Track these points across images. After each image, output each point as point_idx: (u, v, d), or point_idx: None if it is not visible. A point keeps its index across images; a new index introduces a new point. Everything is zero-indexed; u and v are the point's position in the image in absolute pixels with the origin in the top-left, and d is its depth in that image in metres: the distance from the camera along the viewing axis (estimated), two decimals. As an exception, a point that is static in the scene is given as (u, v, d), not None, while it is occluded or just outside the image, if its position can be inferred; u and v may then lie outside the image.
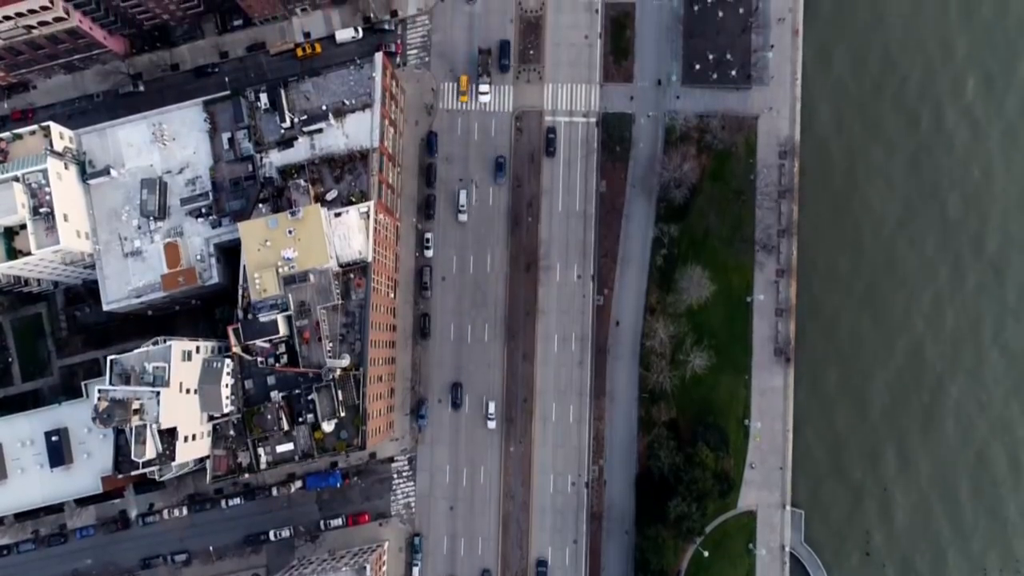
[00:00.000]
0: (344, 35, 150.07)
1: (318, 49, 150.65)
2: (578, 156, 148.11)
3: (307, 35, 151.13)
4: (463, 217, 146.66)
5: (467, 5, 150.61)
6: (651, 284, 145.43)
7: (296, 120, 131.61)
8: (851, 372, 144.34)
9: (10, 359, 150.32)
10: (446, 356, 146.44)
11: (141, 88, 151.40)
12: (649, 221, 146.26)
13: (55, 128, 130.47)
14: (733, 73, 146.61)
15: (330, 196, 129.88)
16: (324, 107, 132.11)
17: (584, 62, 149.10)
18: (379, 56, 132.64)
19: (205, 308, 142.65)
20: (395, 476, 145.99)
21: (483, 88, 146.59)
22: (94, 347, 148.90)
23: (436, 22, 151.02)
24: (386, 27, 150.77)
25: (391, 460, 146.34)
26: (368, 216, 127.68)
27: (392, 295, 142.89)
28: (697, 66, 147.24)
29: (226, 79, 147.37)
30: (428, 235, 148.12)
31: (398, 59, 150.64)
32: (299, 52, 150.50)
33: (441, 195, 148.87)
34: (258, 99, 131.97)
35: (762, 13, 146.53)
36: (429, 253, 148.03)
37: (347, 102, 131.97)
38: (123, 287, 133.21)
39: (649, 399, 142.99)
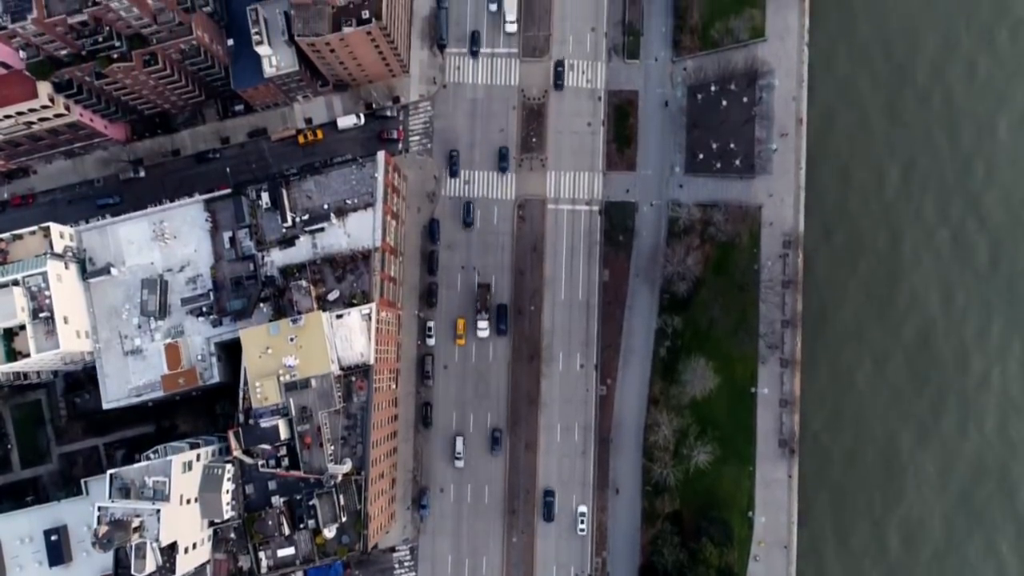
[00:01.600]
0: (346, 122, 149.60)
1: (320, 135, 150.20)
2: (581, 245, 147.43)
3: (309, 121, 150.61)
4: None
5: (470, 92, 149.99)
6: (655, 375, 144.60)
7: (298, 219, 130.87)
8: (856, 465, 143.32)
9: (9, 446, 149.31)
10: (448, 446, 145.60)
11: (142, 174, 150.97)
12: (652, 312, 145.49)
13: (55, 228, 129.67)
14: (737, 163, 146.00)
15: (332, 297, 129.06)
16: (326, 206, 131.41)
17: (587, 150, 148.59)
18: (381, 155, 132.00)
19: (205, 399, 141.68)
20: (397, 566, 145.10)
21: (481, 326, 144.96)
22: (94, 434, 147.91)
23: (438, 108, 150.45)
24: (388, 113, 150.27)
25: (393, 550, 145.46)
26: (370, 318, 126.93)
27: (394, 386, 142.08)
28: (700, 155, 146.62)
29: (228, 169, 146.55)
30: (430, 324, 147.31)
31: (400, 145, 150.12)
32: (301, 139, 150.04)
33: (443, 282, 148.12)
34: (259, 198, 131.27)
35: (766, 103, 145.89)
36: (431, 341, 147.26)
37: (349, 201, 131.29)
38: (123, 386, 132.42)
39: (652, 491, 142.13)
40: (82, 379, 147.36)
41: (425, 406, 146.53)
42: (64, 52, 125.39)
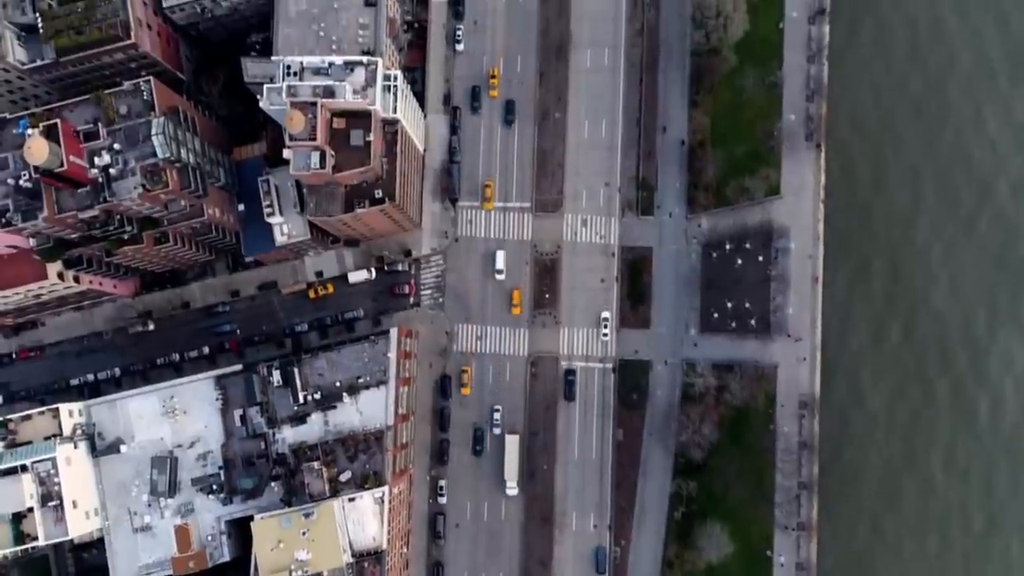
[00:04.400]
0: (357, 276, 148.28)
1: (331, 289, 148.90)
2: (594, 403, 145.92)
3: (320, 274, 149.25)
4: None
5: (482, 245, 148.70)
6: (669, 537, 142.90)
7: (310, 397, 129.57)
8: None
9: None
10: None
11: (151, 327, 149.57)
12: (666, 474, 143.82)
13: (64, 408, 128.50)
14: (752, 322, 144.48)
15: (344, 477, 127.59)
16: (338, 383, 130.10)
17: (600, 306, 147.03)
18: (394, 333, 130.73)
19: (215, 571, 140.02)
20: None
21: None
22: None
23: (450, 262, 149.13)
24: (399, 267, 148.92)
25: None
26: (383, 501, 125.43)
27: (404, 549, 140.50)
28: (715, 314, 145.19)
29: (237, 331, 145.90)
30: (442, 482, 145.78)
31: (411, 299, 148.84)
32: (311, 293, 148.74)
33: (455, 439, 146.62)
34: (271, 375, 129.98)
35: (782, 262, 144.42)
36: (443, 500, 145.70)
37: (361, 379, 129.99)
38: (132, 564, 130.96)
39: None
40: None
41: (436, 566, 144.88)
42: (74, 236, 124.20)
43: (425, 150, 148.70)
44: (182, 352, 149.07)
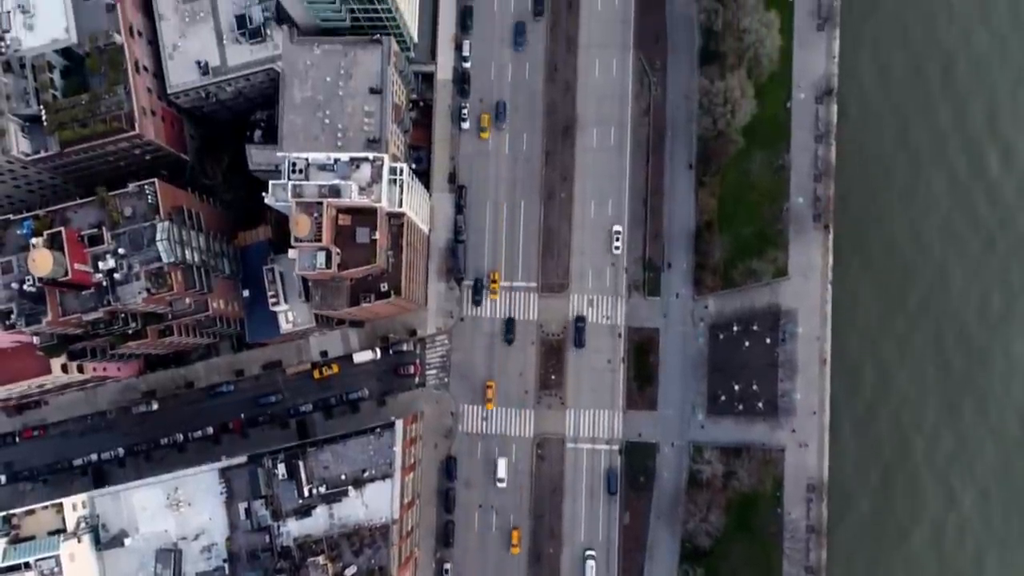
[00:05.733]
0: (362, 357, 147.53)
1: (335, 369, 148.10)
2: (600, 486, 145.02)
3: (324, 354, 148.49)
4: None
5: (488, 326, 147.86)
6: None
7: (315, 490, 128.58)
8: None
9: None
10: None
11: (155, 406, 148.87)
12: (673, 557, 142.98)
13: (68, 502, 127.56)
14: (759, 405, 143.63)
15: (349, 572, 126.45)
16: (343, 476, 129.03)
17: (607, 388, 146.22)
18: (399, 426, 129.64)
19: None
20: None
21: None
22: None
23: (455, 342, 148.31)
24: (404, 347, 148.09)
25: None
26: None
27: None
28: (722, 396, 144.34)
29: (242, 417, 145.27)
30: (447, 565, 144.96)
31: (416, 379, 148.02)
32: (316, 373, 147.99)
33: (460, 522, 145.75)
34: (275, 468, 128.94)
35: (789, 345, 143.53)
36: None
37: (367, 472, 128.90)
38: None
39: None
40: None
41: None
42: (79, 331, 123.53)
43: (430, 230, 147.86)
44: (186, 432, 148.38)
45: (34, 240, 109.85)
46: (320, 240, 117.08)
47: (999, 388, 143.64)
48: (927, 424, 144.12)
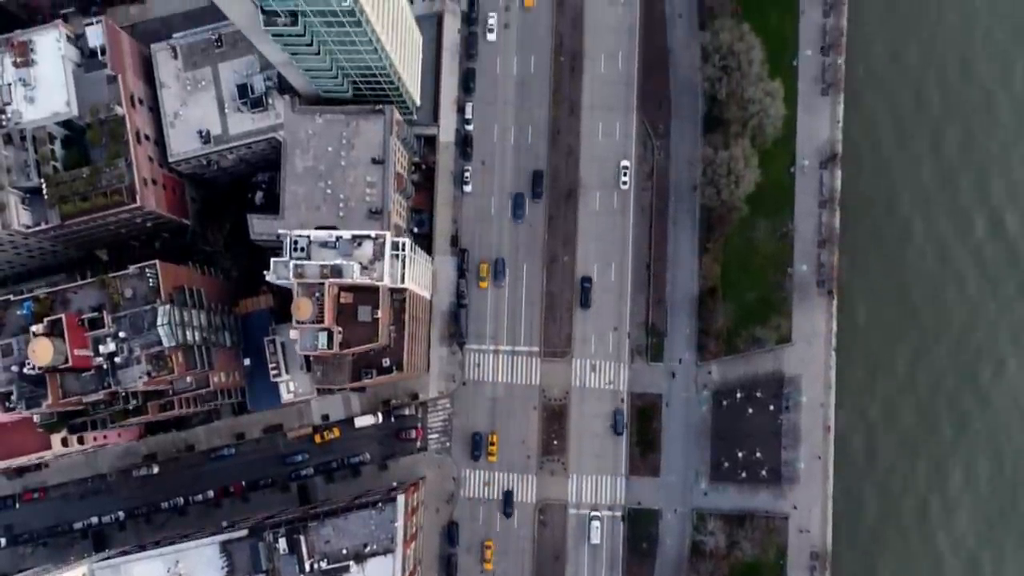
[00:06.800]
0: (364, 421, 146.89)
1: (337, 433, 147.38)
2: (603, 553, 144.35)
3: (326, 418, 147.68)
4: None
5: (489, 390, 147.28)
6: None
7: (316, 565, 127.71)
8: None
9: None
10: None
11: (155, 470, 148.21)
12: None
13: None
14: (763, 472, 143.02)
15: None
16: (344, 551, 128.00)
17: (609, 453, 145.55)
18: (401, 501, 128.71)
19: None
20: None
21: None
22: None
23: (457, 406, 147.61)
24: (406, 412, 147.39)
25: None
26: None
27: None
28: (726, 463, 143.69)
29: (244, 485, 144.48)
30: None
31: (418, 443, 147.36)
32: (317, 438, 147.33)
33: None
34: (277, 542, 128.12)
35: (793, 412, 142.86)
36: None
37: (368, 547, 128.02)
38: None
39: None
40: None
41: None
42: (79, 407, 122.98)
43: (432, 295, 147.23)
44: (187, 496, 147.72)
45: (34, 327, 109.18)
46: (322, 321, 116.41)
47: (1009, 459, 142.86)
48: (934, 494, 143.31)
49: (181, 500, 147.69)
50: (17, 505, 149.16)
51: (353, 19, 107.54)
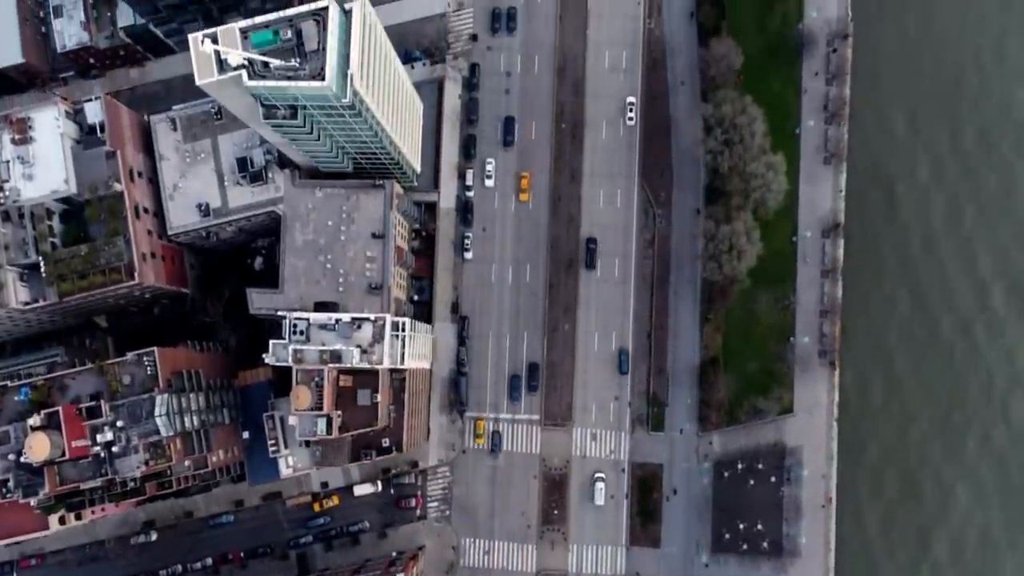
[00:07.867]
0: (363, 490, 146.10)
1: (336, 501, 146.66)
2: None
3: (325, 485, 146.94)
4: None
5: (490, 459, 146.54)
6: None
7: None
8: None
9: None
10: None
11: (154, 537, 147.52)
12: None
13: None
14: (764, 544, 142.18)
15: None
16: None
17: (610, 524, 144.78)
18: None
19: None
20: None
21: None
22: None
23: (457, 474, 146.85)
24: (406, 480, 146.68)
25: None
26: None
27: None
28: (727, 535, 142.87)
29: (243, 553, 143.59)
30: None
31: (418, 511, 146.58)
32: (316, 506, 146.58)
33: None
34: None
35: (794, 484, 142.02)
36: None
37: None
38: None
39: None
40: None
41: None
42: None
43: (432, 363, 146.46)
44: (185, 563, 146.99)
45: (31, 420, 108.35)
46: (321, 408, 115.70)
47: (1013, 528, 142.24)
48: (940, 566, 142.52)
49: (179, 567, 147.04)
50: (14, 573, 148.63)
51: (354, 111, 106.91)
